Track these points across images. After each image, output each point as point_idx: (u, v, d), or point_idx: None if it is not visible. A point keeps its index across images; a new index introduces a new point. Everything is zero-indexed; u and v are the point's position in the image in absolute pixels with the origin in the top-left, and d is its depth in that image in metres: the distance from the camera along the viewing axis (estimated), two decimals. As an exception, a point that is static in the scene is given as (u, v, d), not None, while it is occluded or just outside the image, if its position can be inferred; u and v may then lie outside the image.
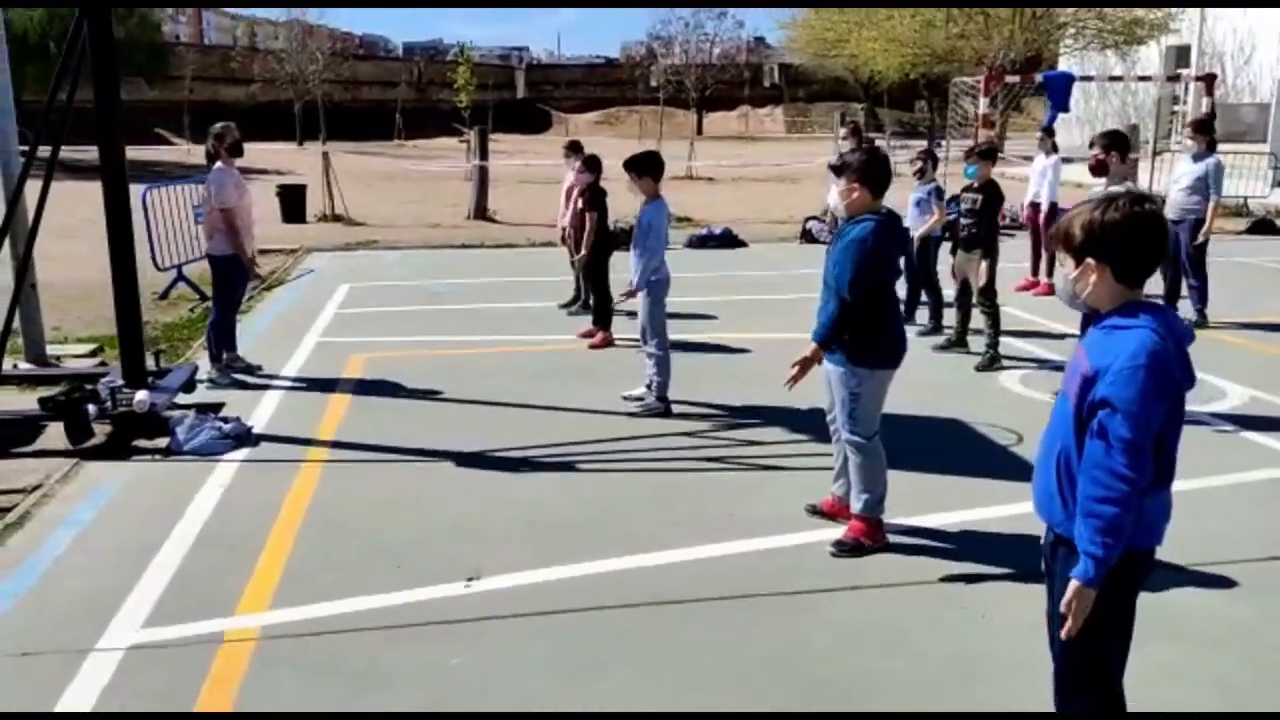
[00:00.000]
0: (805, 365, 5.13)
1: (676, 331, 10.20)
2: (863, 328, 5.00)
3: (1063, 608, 2.81)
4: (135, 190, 8.55)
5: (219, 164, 8.32)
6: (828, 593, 4.79)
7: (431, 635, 4.41)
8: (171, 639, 4.37)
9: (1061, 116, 41.69)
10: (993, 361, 8.65)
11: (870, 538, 5.15)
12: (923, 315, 10.18)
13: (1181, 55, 36.16)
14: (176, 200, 13.01)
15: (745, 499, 5.96)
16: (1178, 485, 5.45)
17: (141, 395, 6.89)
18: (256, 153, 39.67)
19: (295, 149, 43.98)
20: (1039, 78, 17.78)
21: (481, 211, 20.92)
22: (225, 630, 4.43)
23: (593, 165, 10.19)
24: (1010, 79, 19.38)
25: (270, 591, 4.79)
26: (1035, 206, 12.22)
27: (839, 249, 5.02)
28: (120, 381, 7.16)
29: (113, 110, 7.25)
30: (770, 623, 4.53)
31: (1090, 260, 2.82)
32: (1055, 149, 12.29)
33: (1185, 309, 10.53)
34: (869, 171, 5.03)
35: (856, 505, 5.18)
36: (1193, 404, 7.39)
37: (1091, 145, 7.46)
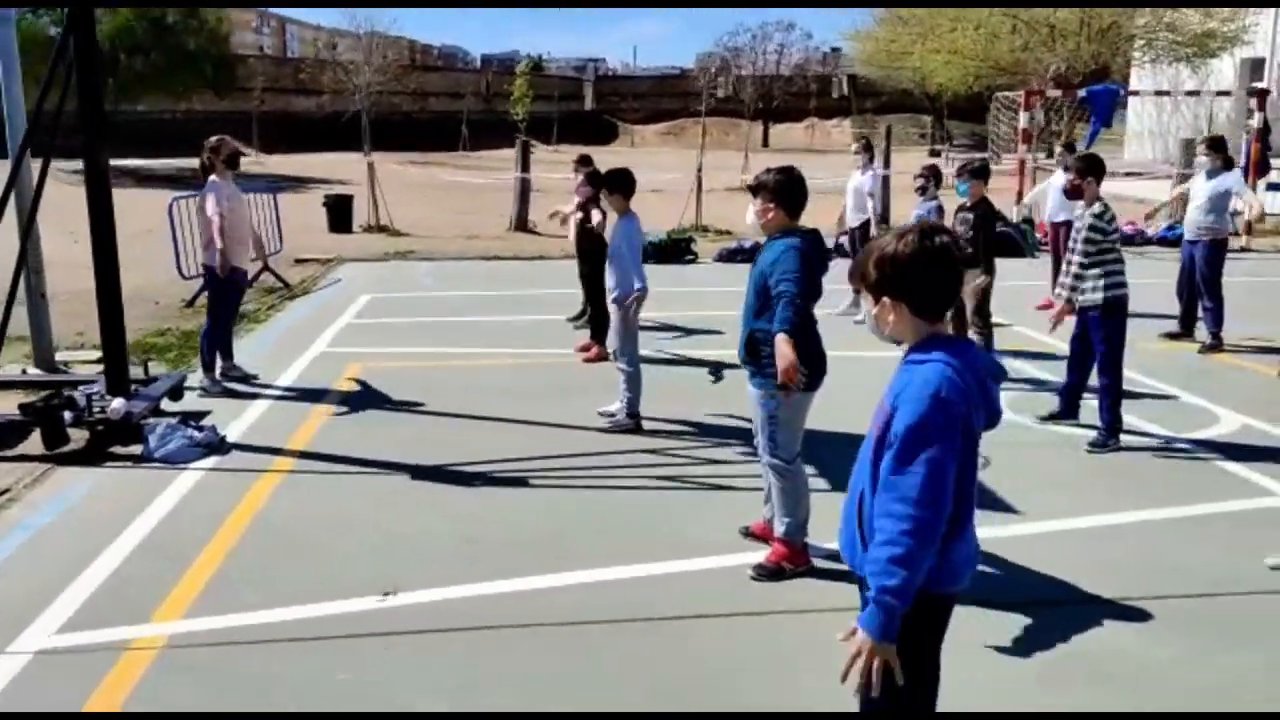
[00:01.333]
0: (792, 364, 4.95)
1: (679, 346, 10.26)
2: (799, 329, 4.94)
3: (847, 659, 2.72)
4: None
5: (213, 176, 8.49)
6: (736, 617, 4.76)
7: (332, 649, 4.46)
8: (80, 645, 4.48)
9: (1133, 130, 40.68)
10: (982, 383, 8.47)
11: (792, 561, 5.10)
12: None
13: (1256, 68, 35.21)
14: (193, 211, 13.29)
15: (695, 518, 5.93)
16: (1137, 515, 5.37)
17: (117, 403, 7.08)
18: (322, 163, 40.82)
19: (360, 159, 44.79)
20: (1083, 93, 17.42)
21: (522, 223, 21.09)
22: (134, 638, 4.53)
23: (595, 180, 10.22)
24: (1052, 93, 19.02)
25: (189, 601, 4.88)
26: (1055, 225, 11.96)
27: (775, 254, 4.97)
28: (99, 389, 7.36)
29: (97, 119, 7.41)
30: (667, 645, 4.51)
31: (886, 299, 2.76)
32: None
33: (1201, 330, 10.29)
34: (783, 192, 5.00)
35: (779, 529, 5.14)
36: (1180, 431, 7.32)
37: (1067, 169, 7.31)
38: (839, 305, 11.80)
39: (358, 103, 45.79)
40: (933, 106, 54.83)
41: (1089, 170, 7.15)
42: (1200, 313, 10.15)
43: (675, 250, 16.81)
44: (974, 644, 4.35)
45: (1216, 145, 10.11)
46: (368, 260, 16.83)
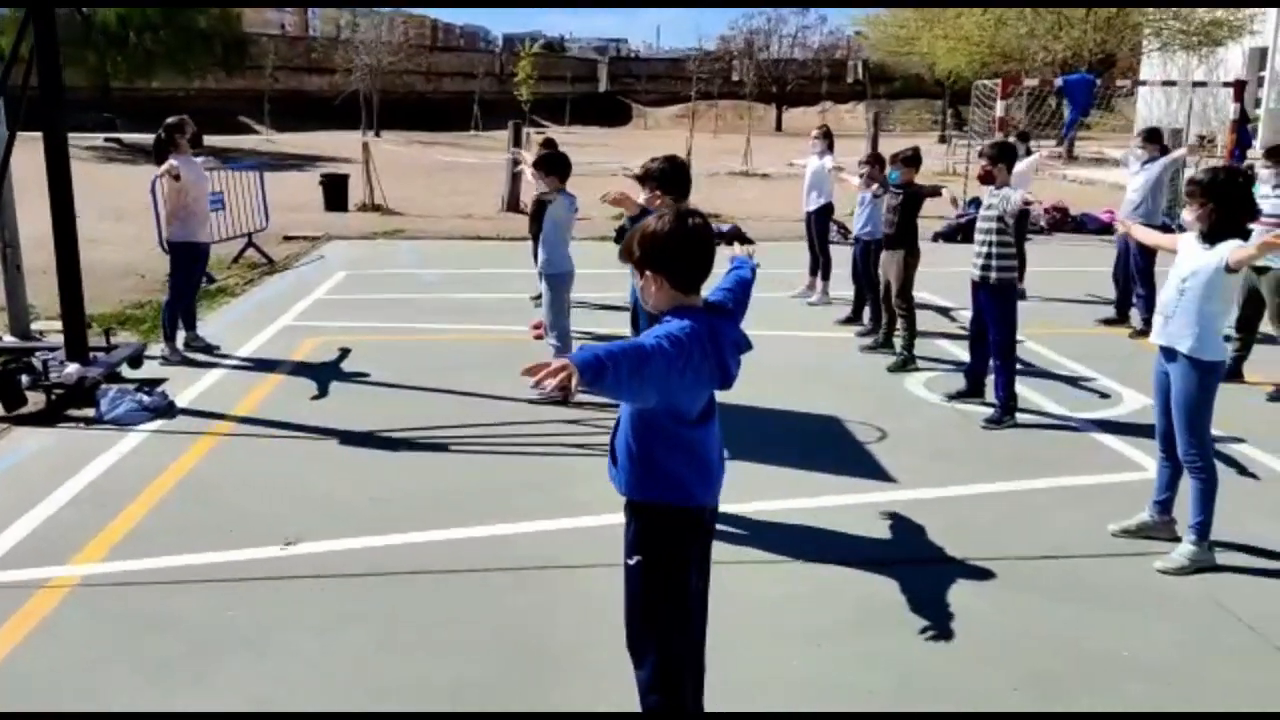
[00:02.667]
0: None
1: (621, 324, 10.62)
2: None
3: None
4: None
5: (173, 156, 8.89)
6: (592, 568, 5.16)
7: (227, 590, 4.91)
8: (2, 582, 4.94)
9: (1142, 117, 40.57)
10: (905, 363, 8.86)
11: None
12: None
13: (1263, 58, 35.23)
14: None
15: (600, 480, 6.32)
16: (1008, 485, 5.79)
17: (71, 368, 7.56)
18: (330, 141, 41.32)
19: (370, 138, 45.34)
20: (1059, 82, 17.65)
21: (514, 204, 21.49)
22: (49, 578, 4.99)
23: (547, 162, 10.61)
24: (1028, 83, 19.23)
25: (108, 547, 5.34)
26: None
27: None
28: (59, 356, 7.84)
29: (56, 94, 7.79)
30: (530, 594, 4.93)
31: (648, 272, 3.16)
32: (1030, 153, 12.34)
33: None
34: (669, 179, 5.39)
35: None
36: (1079, 410, 7.68)
37: (981, 154, 7.66)
38: (795, 288, 12.24)
39: (360, 82, 46.44)
40: (944, 92, 54.80)
41: (999, 157, 7.49)
42: (1134, 299, 10.47)
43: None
44: (829, 593, 4.78)
45: (1152, 136, 10.42)
46: (355, 238, 17.27)
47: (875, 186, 9.75)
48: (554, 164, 8.23)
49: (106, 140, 35.01)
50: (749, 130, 36.15)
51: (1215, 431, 6.77)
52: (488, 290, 12.63)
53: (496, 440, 7.17)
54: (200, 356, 9.13)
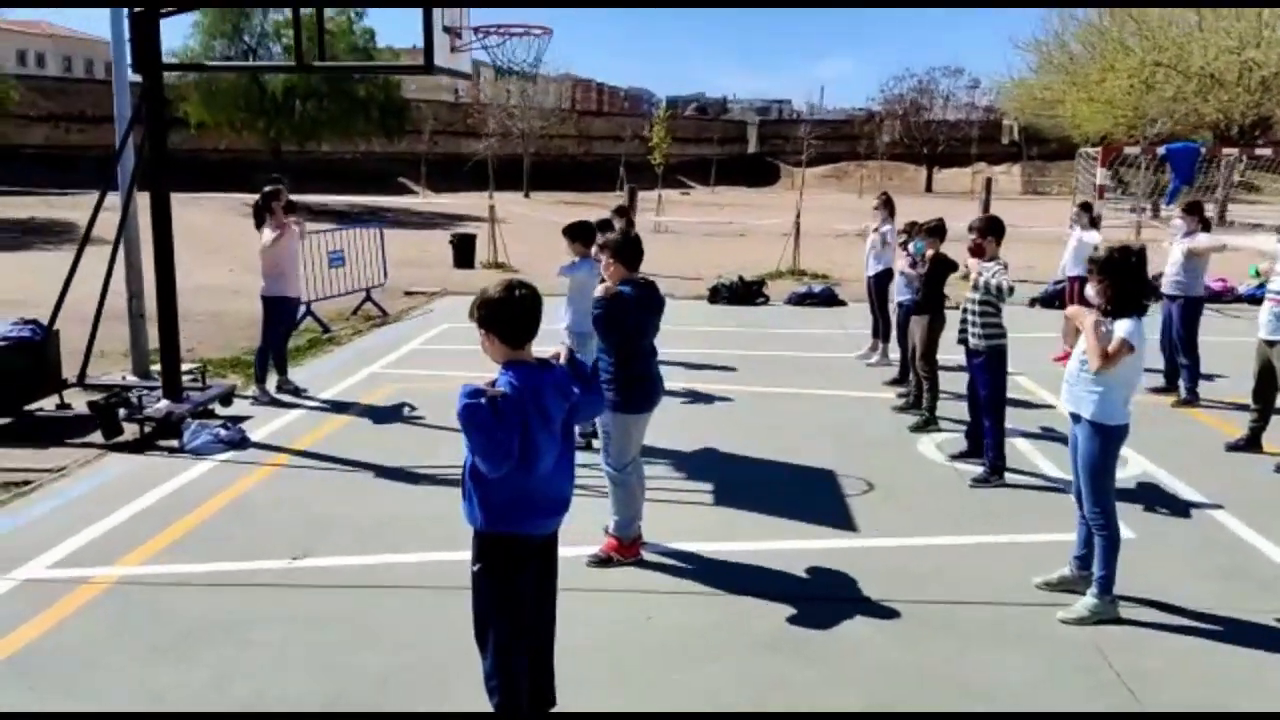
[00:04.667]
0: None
1: (689, 380, 11.32)
2: (615, 377, 6.05)
3: None
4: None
5: (271, 220, 10.08)
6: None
7: (238, 593, 5.80)
8: (55, 578, 5.96)
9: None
10: (927, 424, 9.26)
11: (620, 553, 6.17)
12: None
13: None
14: (307, 246, 15.14)
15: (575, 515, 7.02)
16: (968, 539, 6.34)
17: (160, 404, 8.72)
18: (481, 202, 43.48)
19: (521, 199, 47.52)
20: (1161, 151, 17.58)
21: (627, 263, 22.46)
22: (95, 575, 5.99)
23: (622, 213, 11.50)
24: (1129, 150, 19.16)
25: (151, 553, 6.33)
26: (1070, 279, 12.47)
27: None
28: (151, 393, 9.03)
29: (161, 155, 8.96)
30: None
31: (482, 331, 3.89)
32: (1094, 224, 12.52)
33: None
34: (620, 250, 6.13)
35: (610, 524, 6.21)
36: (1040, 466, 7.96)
37: (970, 229, 8.07)
38: (860, 349, 12.71)
39: (500, 145, 48.73)
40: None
41: (989, 230, 7.93)
42: (1181, 368, 10.56)
43: (746, 293, 17.81)
44: (742, 622, 5.37)
45: (1192, 209, 10.56)
46: (470, 294, 18.46)
47: (917, 269, 9.98)
48: (577, 231, 9.01)
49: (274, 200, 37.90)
50: (861, 190, 36.29)
51: (1195, 496, 7.11)
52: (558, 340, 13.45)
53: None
54: (287, 398, 10.24)
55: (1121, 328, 5.30)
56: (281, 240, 10.04)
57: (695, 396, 10.65)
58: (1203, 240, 10.36)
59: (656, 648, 5.20)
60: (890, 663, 5.06)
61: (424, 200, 44.77)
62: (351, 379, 11.23)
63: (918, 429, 9.25)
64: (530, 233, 28.25)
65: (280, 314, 10.24)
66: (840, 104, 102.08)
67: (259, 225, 10.15)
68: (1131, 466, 8.31)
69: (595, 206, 44.59)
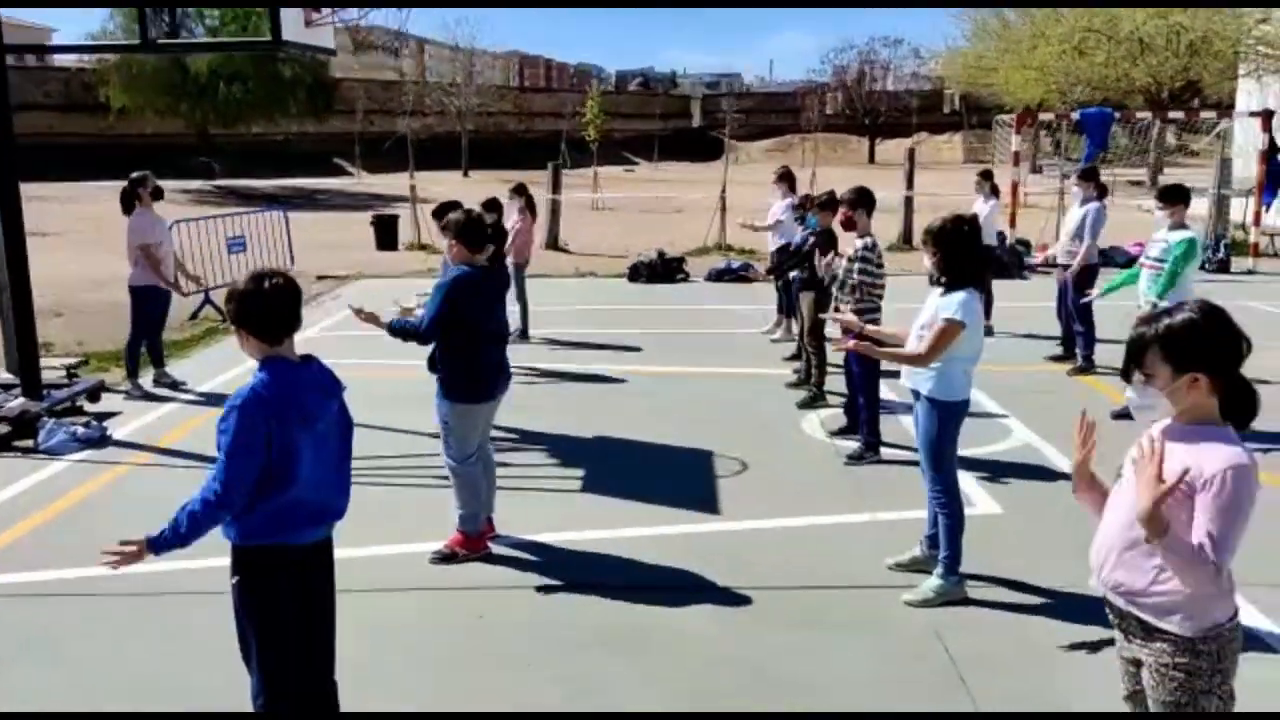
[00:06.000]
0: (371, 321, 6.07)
1: (587, 362, 11.08)
2: (453, 365, 5.81)
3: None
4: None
5: (139, 208, 9.70)
6: (404, 591, 5.61)
7: (45, 602, 5.52)
8: None
9: (1239, 147, 39.52)
10: (814, 400, 9.11)
11: (465, 548, 5.93)
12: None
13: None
14: (200, 233, 14.76)
15: (440, 510, 6.77)
16: (828, 519, 6.11)
17: (14, 403, 8.36)
18: (426, 182, 42.97)
19: (459, 179, 46.93)
20: (1075, 115, 17.53)
21: (554, 242, 22.17)
22: (-94, 587, 5.67)
23: (492, 207, 11.17)
24: (1045, 115, 19.10)
25: (-27, 561, 6.02)
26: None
27: (437, 284, 5.87)
28: (9, 392, 8.66)
29: (7, 145, 8.52)
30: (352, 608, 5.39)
31: (235, 326, 3.63)
32: (995, 192, 12.40)
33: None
34: (463, 231, 5.88)
35: (455, 518, 5.98)
36: (966, 445, 7.82)
37: (840, 202, 7.89)
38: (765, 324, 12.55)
39: (458, 124, 48.00)
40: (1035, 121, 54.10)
41: (859, 202, 7.75)
42: (1076, 336, 10.48)
43: (666, 270, 17.60)
44: (572, 617, 5.16)
45: (1087, 175, 10.45)
46: (387, 277, 18.09)
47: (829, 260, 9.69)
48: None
49: (206, 185, 37.15)
50: (815, 165, 36.22)
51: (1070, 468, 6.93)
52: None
53: (383, 470, 7.66)
54: (164, 392, 9.89)
55: (949, 305, 5.14)
56: (149, 229, 9.67)
57: (589, 378, 10.44)
58: (1079, 261, 10.14)
59: (477, 648, 4.98)
60: (722, 656, 4.88)
61: (357, 181, 44.15)
62: (237, 370, 10.87)
63: (805, 405, 9.10)
64: (508, 213, 27.79)
65: (149, 304, 9.86)
66: (792, 77, 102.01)
67: (126, 212, 9.76)
68: (1013, 438, 8.22)
69: (535, 184, 44.12)
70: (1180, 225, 8.18)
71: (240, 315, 3.60)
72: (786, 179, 12.34)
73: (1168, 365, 2.88)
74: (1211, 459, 2.78)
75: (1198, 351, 2.85)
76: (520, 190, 12.65)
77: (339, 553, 6.10)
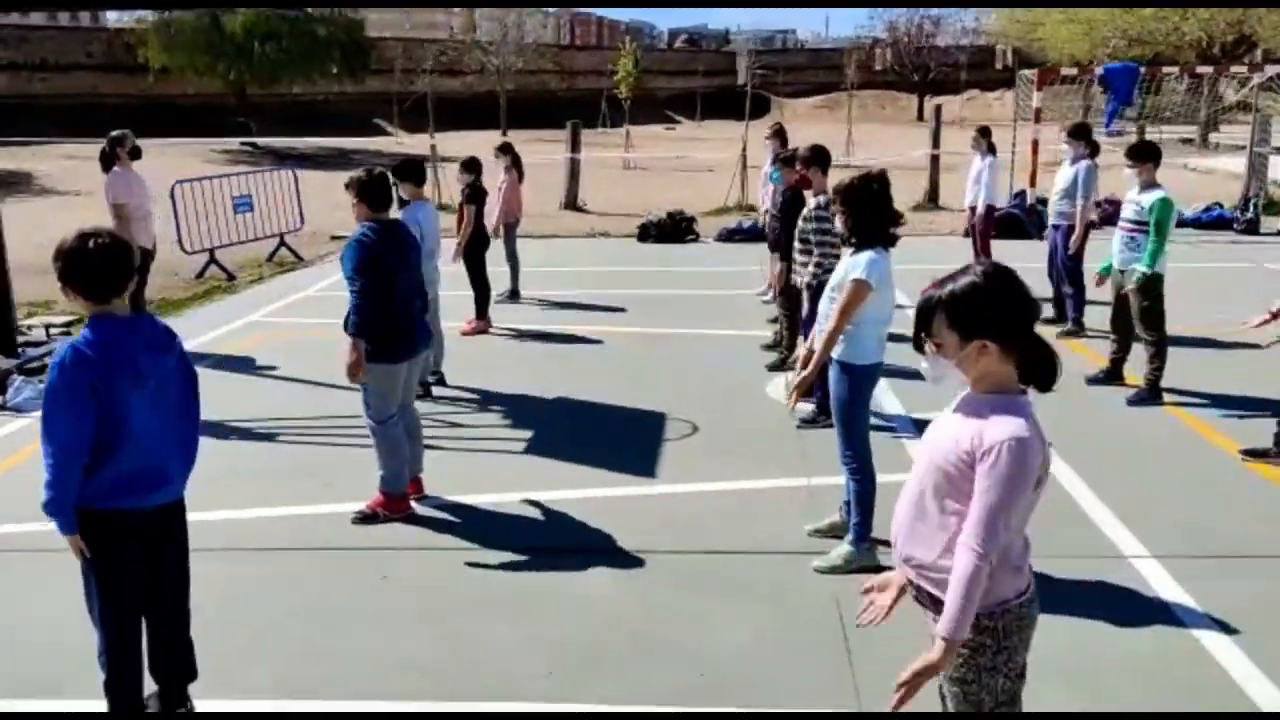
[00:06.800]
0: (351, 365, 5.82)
1: (568, 322, 11.02)
2: (368, 325, 5.76)
3: None
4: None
5: (117, 167, 9.74)
6: (321, 550, 5.62)
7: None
8: None
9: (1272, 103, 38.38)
10: (784, 362, 8.97)
11: (386, 508, 5.92)
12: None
13: None
14: (208, 192, 14.84)
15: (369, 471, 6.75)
16: (759, 483, 6.00)
17: (-15, 360, 8.50)
18: (458, 142, 42.91)
19: (498, 138, 46.85)
20: (1099, 71, 17.00)
21: (572, 202, 22.07)
22: None
23: (471, 166, 11.10)
24: (1067, 72, 18.55)
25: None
26: (972, 210, 12.08)
27: (346, 247, 5.83)
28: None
29: None
30: (269, 567, 5.44)
31: (62, 285, 3.60)
32: (992, 150, 12.08)
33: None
34: (364, 189, 5.83)
35: (377, 478, 5.96)
36: (916, 410, 7.66)
37: (794, 161, 7.72)
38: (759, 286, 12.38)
39: (498, 83, 47.75)
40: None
41: (813, 161, 7.58)
42: (1066, 299, 10.22)
43: (676, 230, 17.44)
44: (480, 578, 5.17)
45: (1077, 133, 10.12)
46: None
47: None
48: (406, 171, 8.66)
49: (243, 144, 37.38)
50: (850, 122, 35.74)
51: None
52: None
53: (332, 430, 7.68)
54: (146, 349, 9.98)
55: (857, 265, 5.00)
56: (125, 188, 9.70)
57: (565, 339, 10.38)
58: (1078, 223, 9.82)
59: (368, 607, 4.97)
60: (613, 620, 4.83)
61: (396, 142, 44.20)
62: (227, 327, 10.99)
63: (773, 367, 8.97)
64: (488, 171, 27.76)
65: (132, 263, 9.91)
66: (847, 33, 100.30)
67: (106, 170, 9.80)
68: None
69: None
70: (1151, 184, 7.90)
71: (65, 273, 3.58)
72: (779, 135, 12.08)
73: (954, 332, 2.75)
74: (993, 430, 2.67)
75: (983, 317, 2.71)
76: (506, 149, 12.58)
77: (263, 511, 6.20)
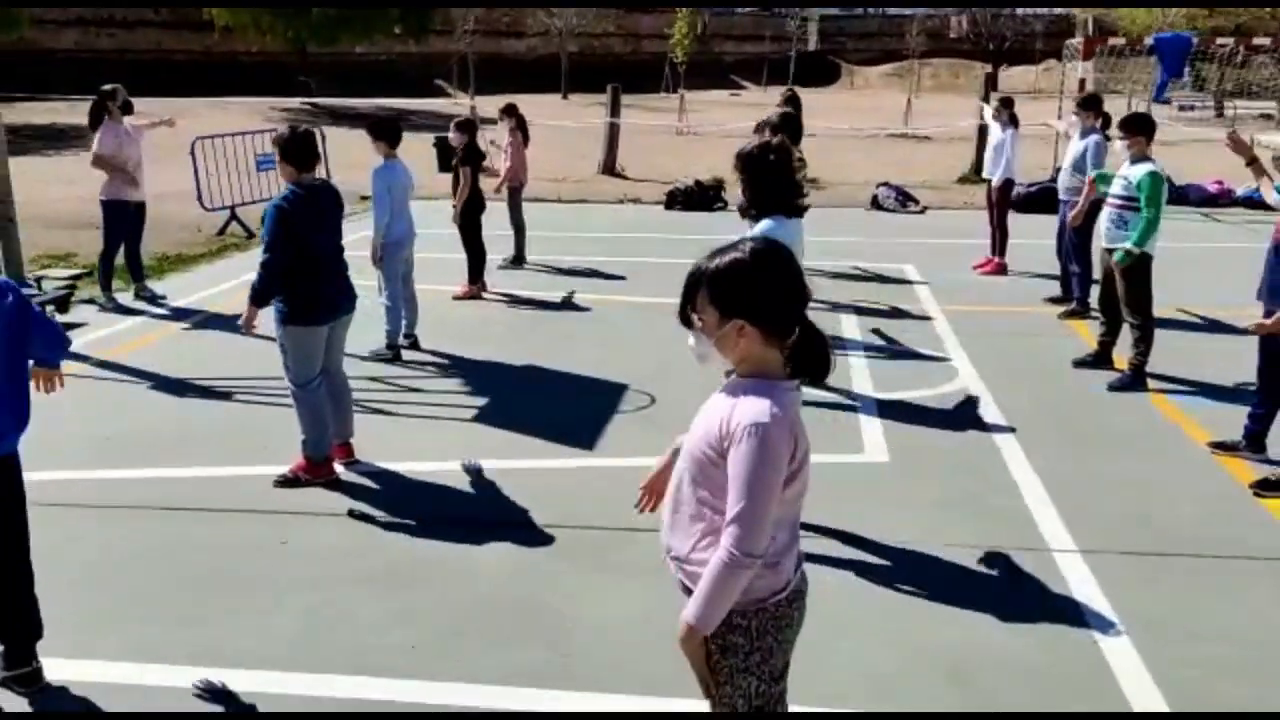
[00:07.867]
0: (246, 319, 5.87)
1: (560, 289, 10.89)
2: (288, 287, 5.69)
3: None
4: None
5: (108, 121, 9.79)
6: (243, 512, 5.59)
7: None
8: None
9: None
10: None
11: (309, 473, 5.87)
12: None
13: None
14: (229, 149, 14.93)
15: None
16: (637, 461, 5.78)
17: (-32, 311, 8.60)
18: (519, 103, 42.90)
19: (559, 101, 46.65)
20: (1149, 41, 16.31)
21: (610, 167, 21.89)
22: None
23: (465, 127, 10.97)
24: (1114, 42, 17.83)
25: None
26: (990, 182, 11.66)
27: (268, 209, 5.76)
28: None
29: None
30: (199, 527, 5.45)
31: None
32: (1014, 121, 11.61)
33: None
34: (287, 148, 5.73)
35: (300, 443, 5.91)
36: (894, 390, 7.43)
37: (759, 130, 7.47)
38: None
39: (561, 45, 47.58)
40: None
41: (781, 128, 7.31)
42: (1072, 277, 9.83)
43: (703, 197, 17.17)
44: (372, 549, 5.10)
45: (1088, 104, 9.67)
46: (428, 199, 18.06)
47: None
48: (381, 129, 8.61)
49: (304, 104, 37.68)
50: (914, 89, 34.95)
51: (994, 417, 6.65)
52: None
53: (275, 390, 7.61)
54: (140, 305, 10.09)
55: (757, 231, 4.81)
56: (112, 142, 9.75)
57: (553, 306, 10.27)
58: (1084, 198, 9.34)
59: (253, 573, 4.92)
60: (494, 595, 4.72)
61: (455, 103, 44.23)
62: (225, 285, 11.03)
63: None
64: (549, 138, 27.63)
65: (119, 218, 9.99)
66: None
67: (94, 126, 9.87)
68: (955, 383, 7.77)
69: (635, 109, 43.54)
70: (1142, 158, 7.51)
71: None
72: (791, 103, 11.78)
73: (715, 309, 2.56)
74: (738, 413, 2.49)
75: (743, 297, 2.53)
76: (510, 111, 12.44)
77: (193, 471, 6.18)
